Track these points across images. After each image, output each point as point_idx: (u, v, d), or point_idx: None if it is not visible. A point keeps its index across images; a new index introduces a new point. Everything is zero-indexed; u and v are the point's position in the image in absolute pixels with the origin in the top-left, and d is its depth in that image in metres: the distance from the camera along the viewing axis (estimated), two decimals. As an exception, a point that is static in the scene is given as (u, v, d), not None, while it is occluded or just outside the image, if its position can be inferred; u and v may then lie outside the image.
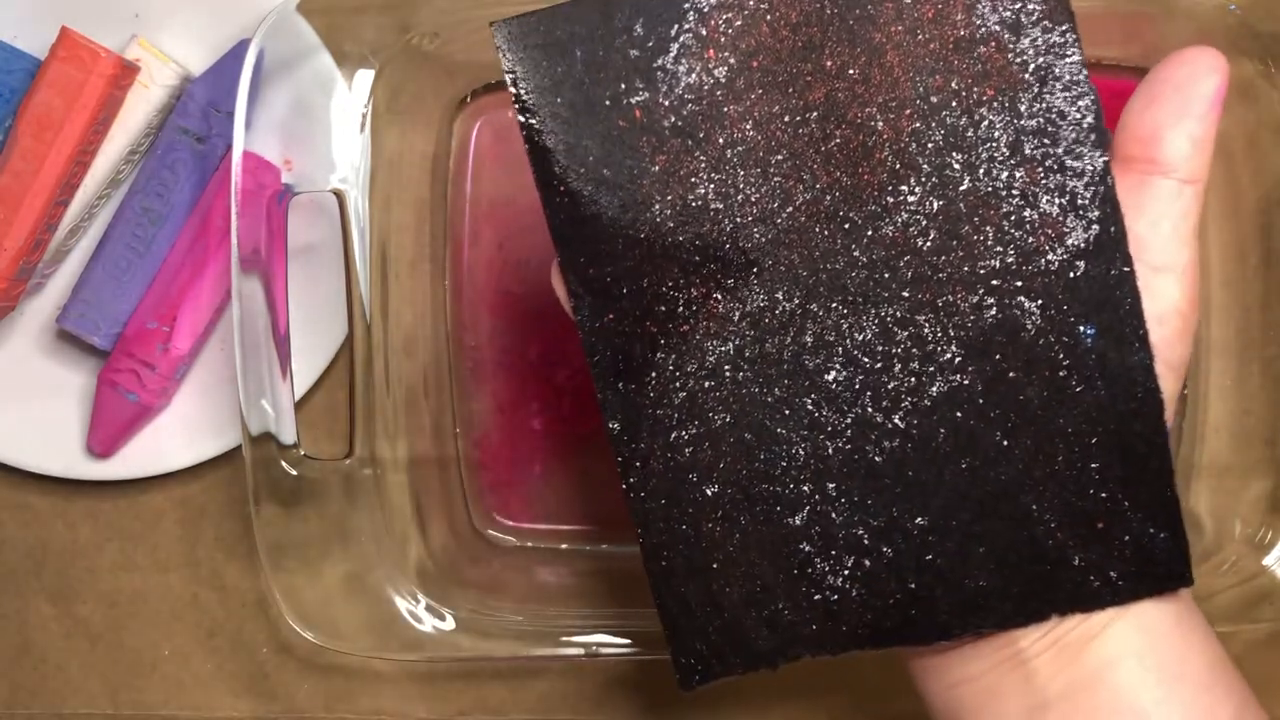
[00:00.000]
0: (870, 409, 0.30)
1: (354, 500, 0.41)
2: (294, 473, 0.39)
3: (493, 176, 0.44)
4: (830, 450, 0.30)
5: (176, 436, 0.44)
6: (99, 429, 0.43)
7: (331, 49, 0.39)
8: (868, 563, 0.30)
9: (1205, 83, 0.28)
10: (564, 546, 0.45)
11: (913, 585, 0.30)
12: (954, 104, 0.28)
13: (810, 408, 0.30)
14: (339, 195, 0.40)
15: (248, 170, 0.38)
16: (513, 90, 0.29)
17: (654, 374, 0.30)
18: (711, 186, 0.29)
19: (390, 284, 0.41)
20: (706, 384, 0.30)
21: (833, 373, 0.30)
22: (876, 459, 0.30)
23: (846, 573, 0.30)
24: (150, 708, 0.46)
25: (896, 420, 0.30)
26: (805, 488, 0.30)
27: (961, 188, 0.29)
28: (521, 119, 0.29)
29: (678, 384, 0.30)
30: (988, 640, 0.30)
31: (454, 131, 0.44)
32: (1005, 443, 0.29)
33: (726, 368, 0.30)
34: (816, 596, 0.30)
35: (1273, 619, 0.39)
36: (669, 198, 0.29)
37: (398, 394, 0.42)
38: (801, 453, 0.30)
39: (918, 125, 0.29)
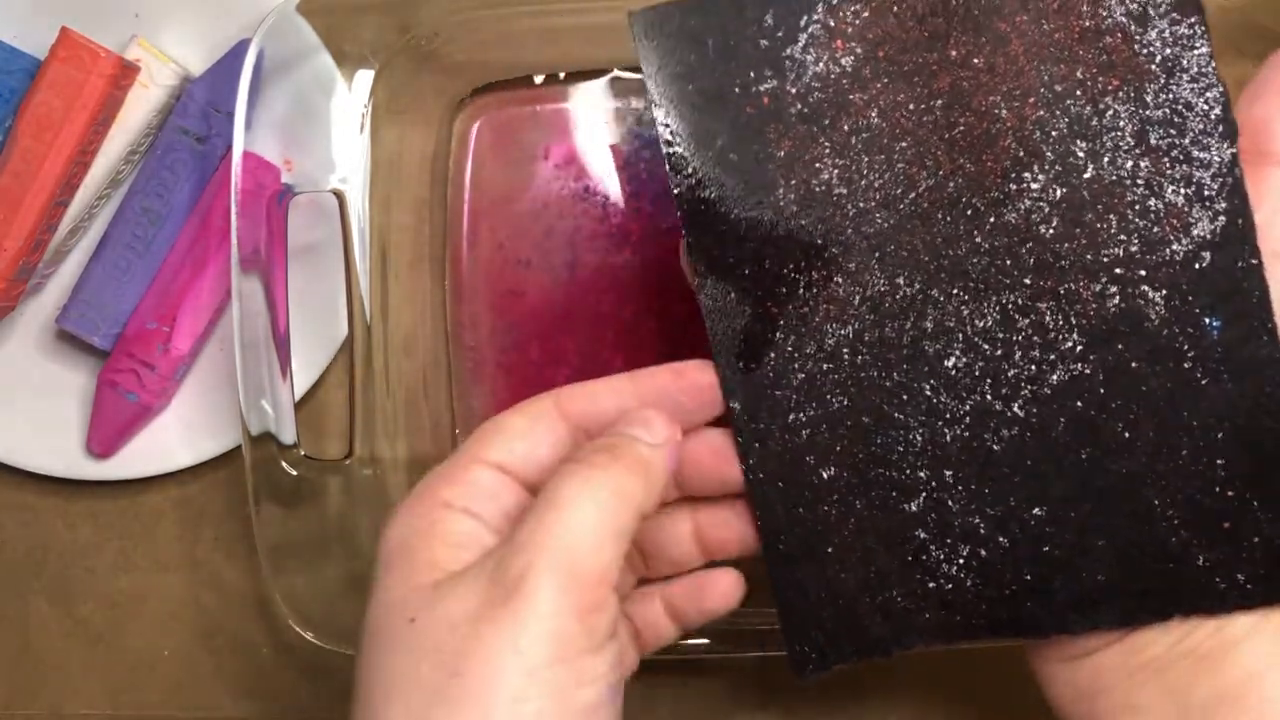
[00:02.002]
0: (989, 396, 0.30)
1: (354, 500, 0.41)
2: (294, 473, 0.39)
3: (493, 176, 0.44)
4: (949, 437, 0.30)
5: (176, 436, 0.44)
6: (99, 429, 0.43)
7: (331, 49, 0.39)
8: (984, 552, 0.30)
9: None
10: (564, 546, 0.45)
11: (1029, 577, 0.30)
12: (1079, 93, 0.28)
13: (929, 393, 0.30)
14: (339, 195, 0.40)
15: (248, 170, 0.38)
16: (647, 77, 0.30)
17: (773, 354, 0.30)
18: (836, 171, 0.30)
19: (390, 284, 0.41)
20: (825, 366, 0.30)
21: (952, 359, 0.30)
22: (995, 447, 0.30)
23: (962, 561, 0.30)
24: (150, 708, 0.46)
25: (1016, 408, 0.29)
26: (922, 474, 0.30)
27: (1085, 175, 0.29)
28: (654, 103, 0.30)
29: (796, 365, 0.30)
30: (1119, 645, 0.29)
31: (454, 131, 0.44)
32: (1127, 434, 0.29)
33: (845, 351, 0.30)
34: (931, 585, 0.30)
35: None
36: (793, 182, 0.30)
37: (398, 394, 0.42)
38: (919, 439, 0.30)
39: (1042, 113, 0.29)
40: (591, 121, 0.43)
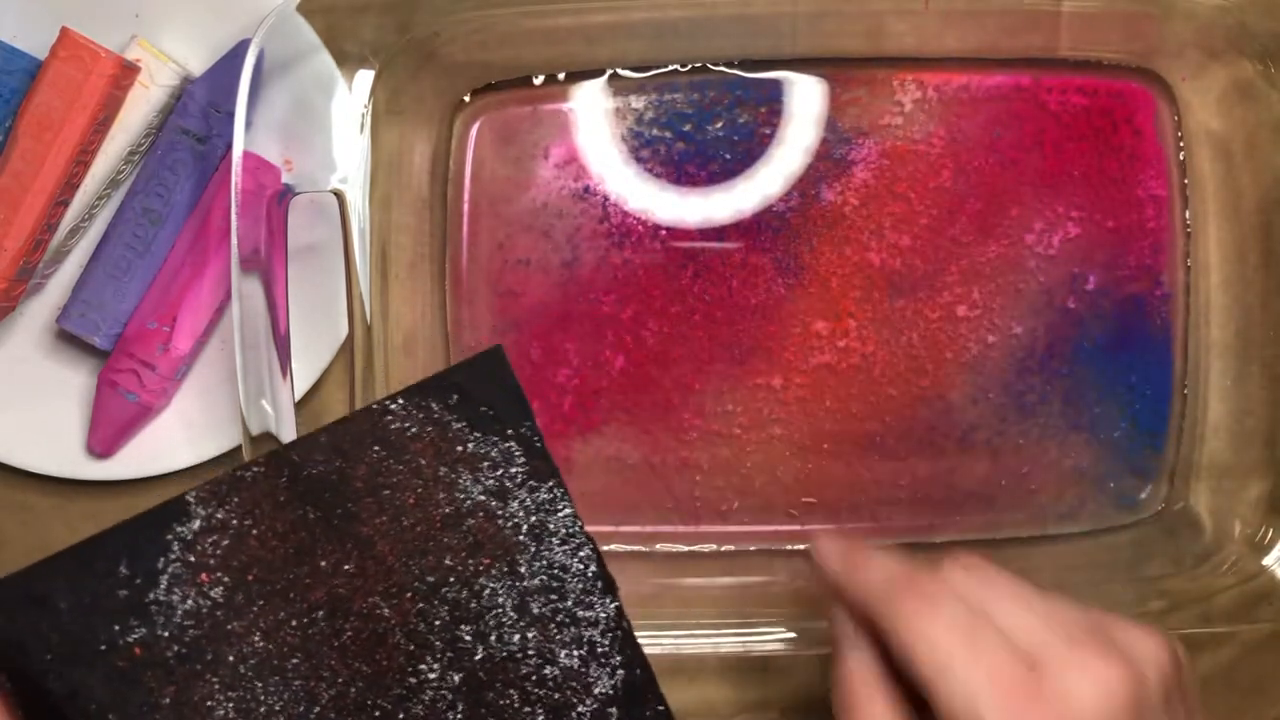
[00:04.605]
0: None
1: (354, 500, 0.41)
2: (294, 473, 0.39)
3: (493, 176, 0.44)
4: None
5: (176, 436, 0.44)
6: (99, 429, 0.43)
7: (331, 49, 0.39)
8: None
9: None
10: (564, 546, 0.45)
11: None
12: (452, 579, 0.28)
13: None
14: (339, 195, 0.40)
15: (248, 170, 0.38)
16: None
17: None
18: (231, 705, 0.29)
19: (390, 284, 0.41)
20: None
21: None
22: None
23: None
24: (150, 708, 0.46)
25: None
26: None
27: (478, 657, 0.29)
28: (8, 680, 0.28)
29: None
30: None
31: (454, 131, 0.44)
32: None
33: None
34: None
35: (1272, 619, 0.39)
36: None
37: (398, 394, 0.42)
38: None
39: (422, 605, 0.29)
40: (591, 121, 0.43)
